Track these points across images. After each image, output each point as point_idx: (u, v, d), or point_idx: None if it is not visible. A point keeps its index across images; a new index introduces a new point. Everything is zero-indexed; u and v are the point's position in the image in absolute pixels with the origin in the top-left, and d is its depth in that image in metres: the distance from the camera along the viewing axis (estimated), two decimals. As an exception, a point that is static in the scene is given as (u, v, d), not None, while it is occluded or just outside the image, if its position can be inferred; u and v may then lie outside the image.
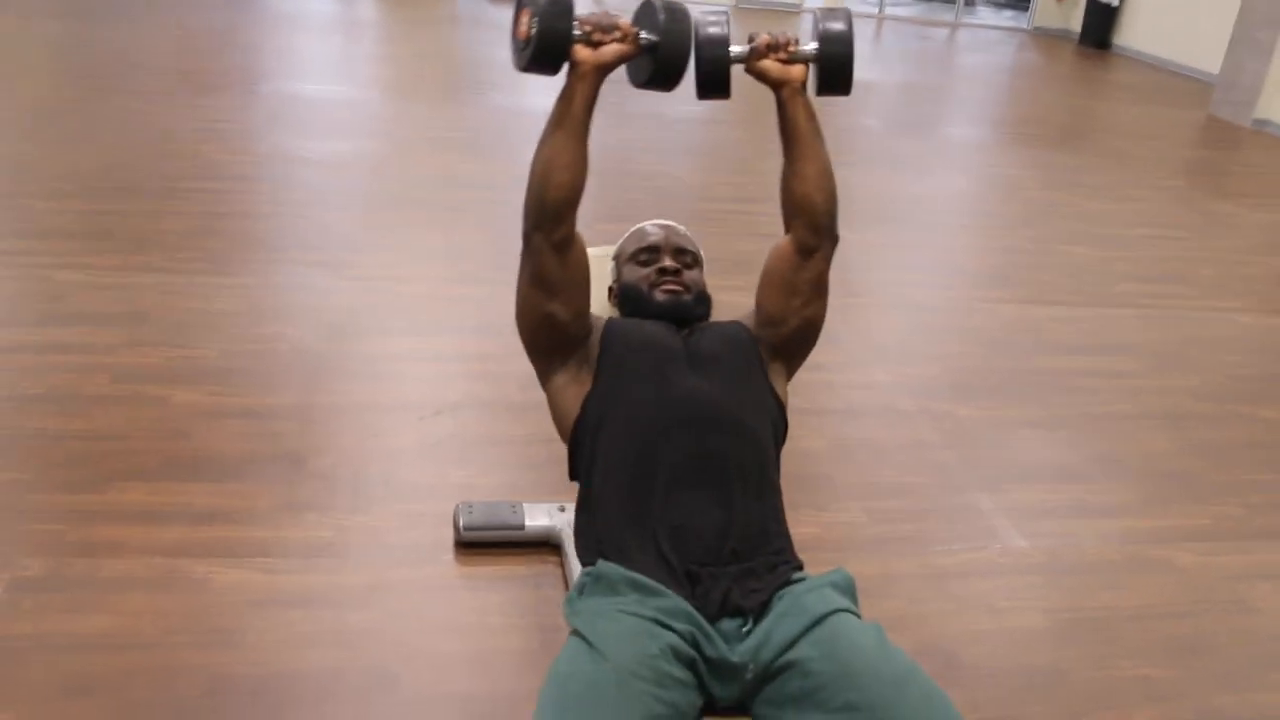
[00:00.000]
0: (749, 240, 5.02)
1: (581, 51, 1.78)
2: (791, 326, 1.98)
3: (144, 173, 5.05)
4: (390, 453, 2.98)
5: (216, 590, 2.37)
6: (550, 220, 1.83)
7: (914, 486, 3.08)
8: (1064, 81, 11.13)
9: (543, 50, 1.76)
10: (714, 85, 1.86)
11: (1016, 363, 4.00)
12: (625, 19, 1.83)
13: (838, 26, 1.87)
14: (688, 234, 2.19)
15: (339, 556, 2.53)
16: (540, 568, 2.54)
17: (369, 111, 6.77)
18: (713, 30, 1.84)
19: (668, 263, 2.06)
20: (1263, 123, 9.10)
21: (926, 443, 3.32)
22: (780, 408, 1.95)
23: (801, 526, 2.79)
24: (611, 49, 1.79)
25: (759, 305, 2.01)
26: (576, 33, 1.78)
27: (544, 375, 1.98)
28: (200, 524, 2.57)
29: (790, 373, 2.04)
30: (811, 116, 1.91)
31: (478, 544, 2.59)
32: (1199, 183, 7.26)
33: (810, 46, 1.89)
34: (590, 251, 2.34)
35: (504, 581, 2.51)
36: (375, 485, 2.81)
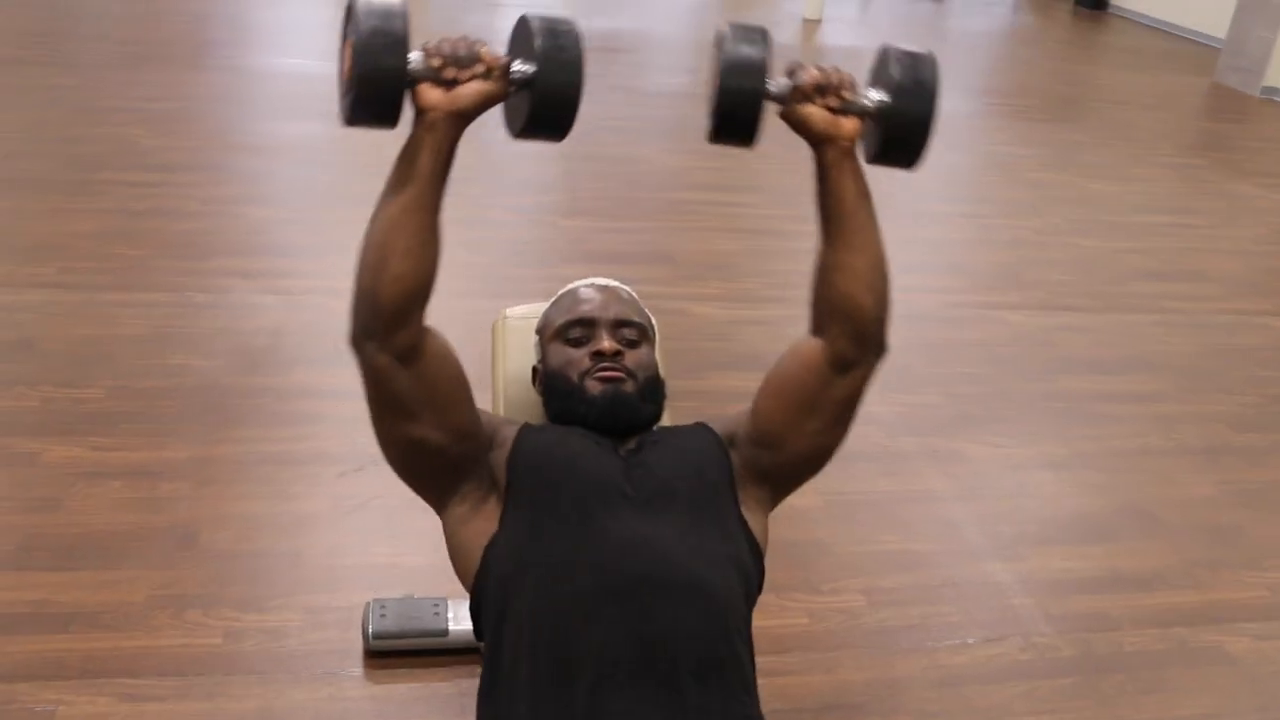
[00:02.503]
0: (728, 238, 4.55)
1: (429, 94, 1.29)
2: (796, 452, 1.50)
3: (52, 162, 4.53)
4: (300, 522, 2.51)
5: (61, 731, 1.90)
6: (385, 324, 1.32)
7: (921, 556, 2.62)
8: (1060, 46, 10.62)
9: (367, 96, 1.25)
10: (737, 128, 1.36)
11: (1029, 385, 3.54)
12: (489, 46, 1.32)
13: (919, 76, 1.36)
14: (633, 297, 1.71)
15: (224, 672, 2.07)
16: (468, 683, 2.08)
17: (322, 89, 6.22)
18: (746, 53, 1.32)
19: (605, 344, 1.57)
20: (1272, 91, 8.61)
21: (934, 494, 2.87)
22: (756, 553, 1.48)
23: (789, 616, 2.36)
24: (470, 89, 1.30)
25: (757, 415, 1.51)
26: (418, 67, 1.28)
27: (437, 505, 1.50)
28: (55, 632, 2.11)
29: (775, 502, 1.57)
30: (863, 190, 1.41)
31: (392, 653, 2.13)
32: (1210, 160, 6.78)
33: (873, 95, 1.38)
34: (516, 313, 1.89)
35: (423, 703, 2.05)
36: (278, 569, 2.34)
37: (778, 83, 1.36)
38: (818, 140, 1.39)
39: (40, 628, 2.11)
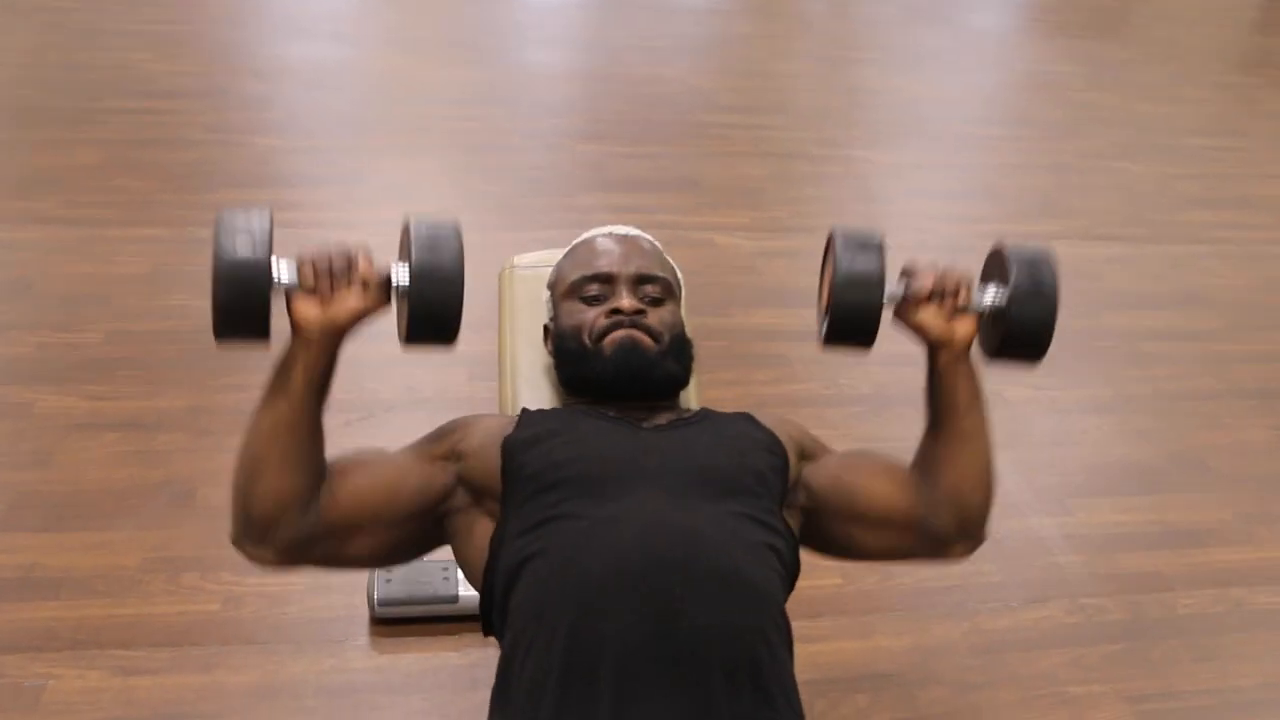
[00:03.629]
0: (757, 162, 4.35)
1: (302, 309, 1.21)
2: (842, 536, 1.40)
3: (53, 89, 4.35)
4: (304, 477, 2.38)
5: (52, 709, 1.80)
6: (259, 533, 1.23)
7: (959, 510, 2.47)
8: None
9: (231, 313, 1.17)
10: (852, 338, 1.32)
11: (1074, 321, 3.28)
12: (365, 254, 1.23)
13: (1038, 278, 1.29)
14: (656, 248, 1.54)
15: (221, 642, 1.95)
16: (480, 653, 1.97)
17: (331, 7, 6.00)
18: (862, 265, 1.28)
19: (624, 301, 1.42)
20: (1327, 2, 8.23)
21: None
22: (793, 546, 1.33)
23: (820, 576, 2.21)
24: (346, 305, 1.21)
25: (836, 481, 1.39)
26: (286, 279, 1.19)
27: (442, 543, 1.37)
28: (45, 599, 2.00)
29: (800, 539, 1.40)
30: (977, 392, 1.34)
31: (399, 620, 2.01)
32: (1265, 78, 6.46)
33: (990, 296, 1.32)
34: (526, 261, 1.72)
35: (431, 675, 1.94)
36: (279, 529, 2.22)
37: (892, 289, 1.32)
38: (933, 344, 1.34)
39: (29, 594, 2.00)
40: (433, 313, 1.22)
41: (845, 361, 2.90)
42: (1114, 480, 2.65)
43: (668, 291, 1.47)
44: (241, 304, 1.17)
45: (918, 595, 2.22)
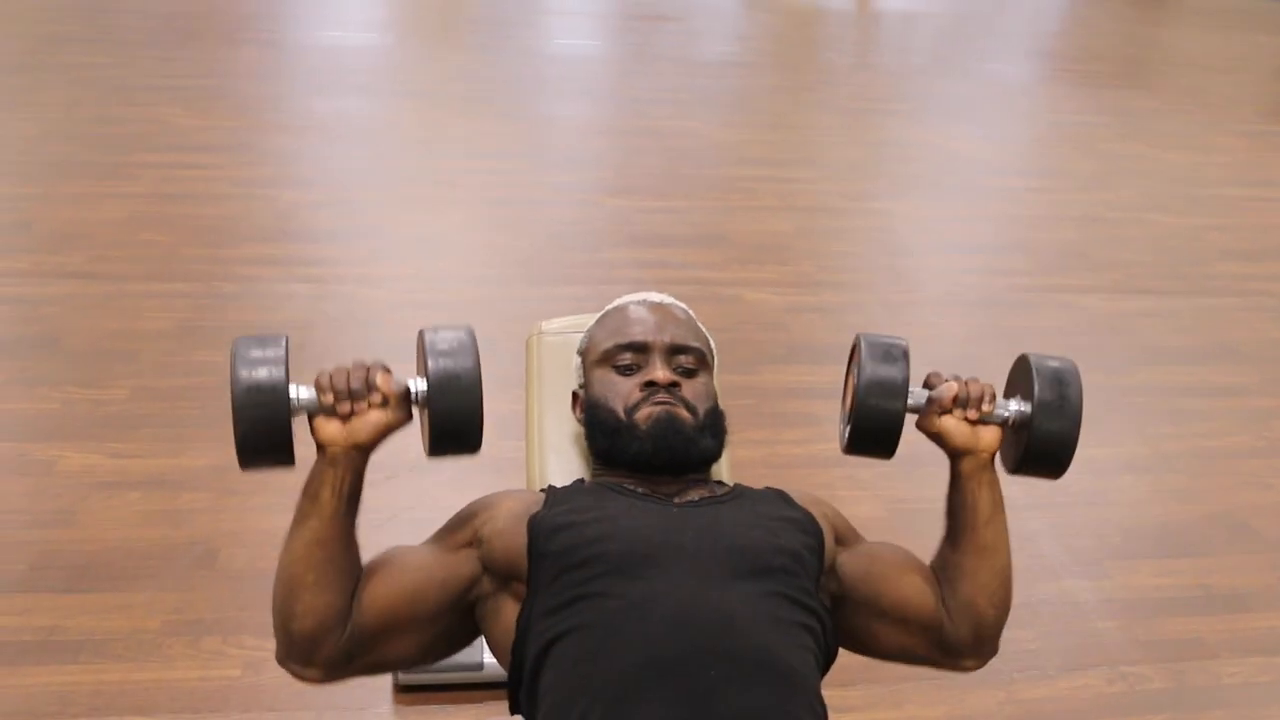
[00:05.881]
0: (784, 216, 4.33)
1: (325, 429, 1.21)
2: (862, 630, 1.37)
3: (83, 144, 4.41)
4: (327, 537, 2.35)
5: (64, 778, 1.77)
6: (303, 652, 1.22)
7: (993, 573, 2.42)
8: (1124, 6, 10.20)
9: (253, 442, 1.17)
10: (875, 444, 1.33)
11: (1106, 377, 3.30)
12: (383, 370, 1.23)
13: (1062, 390, 1.30)
14: (690, 316, 1.50)
15: (241, 709, 1.92)
16: (505, 722, 1.93)
17: (358, 62, 6.06)
18: (885, 372, 1.30)
19: (659, 373, 1.38)
20: (1355, 51, 8.21)
21: (1007, 501, 2.65)
22: (829, 619, 1.29)
23: (850, 643, 2.18)
24: (368, 421, 1.21)
25: (865, 572, 1.36)
26: (305, 397, 1.20)
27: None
28: (64, 662, 1.97)
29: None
30: (998, 501, 1.32)
31: (422, 687, 1.97)
32: (1292, 127, 6.44)
33: (1013, 406, 1.32)
34: (554, 327, 1.70)
35: (455, 746, 1.90)
36: (301, 591, 2.19)
37: (915, 395, 1.32)
38: (955, 452, 1.33)
39: (48, 658, 1.97)
40: (454, 426, 1.22)
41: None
42: (1152, 542, 2.59)
43: (701, 362, 1.44)
44: (263, 431, 1.17)
45: (953, 662, 2.16)
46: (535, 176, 4.48)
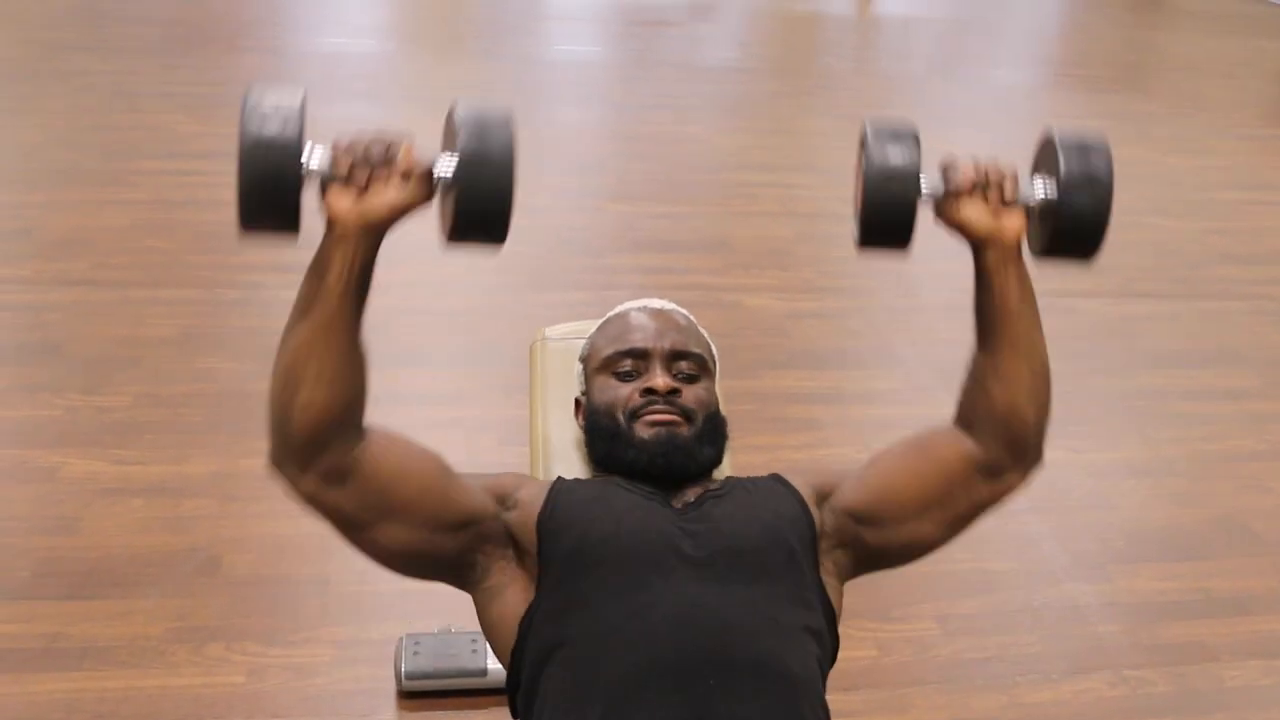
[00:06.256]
0: (785, 221, 4.33)
1: (336, 201, 1.11)
2: (902, 540, 1.31)
3: (86, 151, 4.42)
4: (327, 544, 2.31)
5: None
6: (299, 453, 1.15)
7: (998, 576, 2.42)
8: (1121, 11, 10.21)
9: (258, 197, 1.08)
10: (888, 236, 1.24)
11: (1107, 381, 3.31)
12: (408, 142, 1.13)
13: (1091, 167, 1.20)
14: (692, 322, 1.51)
15: (246, 716, 1.92)
16: (509, 729, 1.93)
17: (361, 69, 6.08)
18: (895, 159, 1.20)
19: (658, 380, 1.37)
20: (1354, 55, 8.22)
21: (1009, 506, 2.64)
22: (832, 621, 1.29)
23: (855, 648, 2.14)
24: (383, 197, 1.12)
25: (870, 490, 1.32)
26: (317, 166, 1.10)
27: (460, 587, 1.32)
28: (67, 669, 1.97)
29: (854, 575, 1.36)
30: (1028, 293, 1.26)
31: (427, 693, 1.98)
32: (1291, 130, 6.45)
33: (1039, 188, 1.24)
34: (557, 333, 1.70)
35: (460, 754, 1.90)
36: (305, 598, 2.20)
37: (931, 183, 1.23)
38: (978, 242, 1.24)
39: (51, 665, 1.98)
40: (482, 207, 1.13)
41: (878, 424, 2.86)
42: (1154, 546, 2.60)
43: (702, 368, 1.44)
44: (269, 188, 1.07)
45: (955, 667, 2.17)
46: (537, 182, 4.47)
